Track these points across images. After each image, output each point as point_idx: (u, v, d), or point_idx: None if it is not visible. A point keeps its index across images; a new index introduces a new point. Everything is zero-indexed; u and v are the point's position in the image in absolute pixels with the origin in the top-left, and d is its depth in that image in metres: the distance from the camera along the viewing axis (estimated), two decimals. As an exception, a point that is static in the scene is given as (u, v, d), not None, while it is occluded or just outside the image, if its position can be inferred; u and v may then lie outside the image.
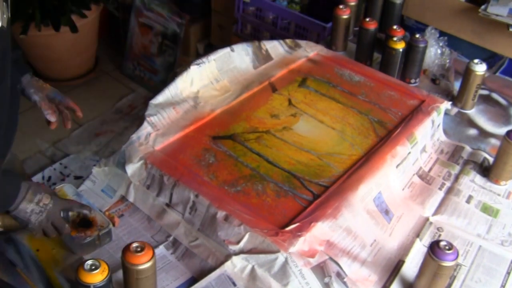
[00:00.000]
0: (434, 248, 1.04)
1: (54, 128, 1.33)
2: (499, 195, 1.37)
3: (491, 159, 1.45)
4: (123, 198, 1.27)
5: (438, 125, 1.54)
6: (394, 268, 1.16)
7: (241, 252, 1.11)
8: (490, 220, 1.29)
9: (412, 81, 1.76)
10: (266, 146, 1.37)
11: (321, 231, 1.13)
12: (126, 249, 0.99)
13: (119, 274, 1.04)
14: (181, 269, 1.12)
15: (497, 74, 1.90)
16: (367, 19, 1.80)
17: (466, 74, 1.63)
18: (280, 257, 1.07)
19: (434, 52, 1.82)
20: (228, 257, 1.10)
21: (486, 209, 1.33)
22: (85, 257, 1.10)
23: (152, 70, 2.97)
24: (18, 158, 1.47)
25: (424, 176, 1.41)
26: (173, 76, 1.51)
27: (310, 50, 1.79)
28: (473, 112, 1.68)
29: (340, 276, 1.09)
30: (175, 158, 1.31)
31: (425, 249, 1.10)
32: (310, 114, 1.51)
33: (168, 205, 1.22)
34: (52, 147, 2.60)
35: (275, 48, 1.77)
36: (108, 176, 1.30)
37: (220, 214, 1.15)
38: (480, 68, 1.60)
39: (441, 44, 1.84)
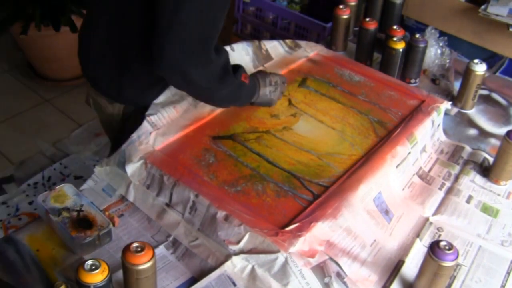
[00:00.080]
0: (434, 248, 1.04)
1: None
2: (499, 195, 1.37)
3: (491, 159, 1.45)
4: (123, 198, 1.27)
5: (438, 125, 1.54)
6: (394, 268, 1.16)
7: (241, 252, 1.11)
8: (490, 220, 1.30)
9: (412, 81, 1.76)
10: (266, 146, 1.37)
11: (321, 231, 1.13)
12: (126, 249, 0.99)
13: (119, 274, 1.04)
14: (181, 269, 1.12)
15: (497, 74, 1.90)
16: (367, 19, 1.80)
17: (466, 74, 1.63)
18: (280, 257, 1.07)
19: (434, 52, 1.82)
20: (228, 257, 1.10)
21: (486, 209, 1.33)
22: (85, 257, 1.10)
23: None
24: None
25: (424, 176, 1.41)
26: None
27: (310, 50, 1.79)
28: (473, 112, 1.68)
29: (340, 276, 1.09)
30: (175, 158, 1.31)
31: (425, 249, 1.10)
32: (310, 114, 1.51)
33: (168, 205, 1.22)
34: (52, 147, 2.60)
35: (275, 48, 1.77)
36: (109, 175, 1.30)
37: (220, 214, 1.15)
38: (480, 68, 1.60)
39: (441, 44, 1.84)
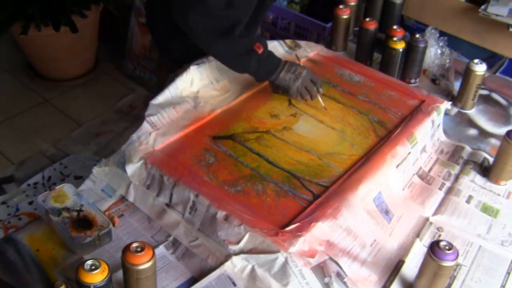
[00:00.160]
0: (434, 248, 1.04)
1: None
2: (499, 195, 1.37)
3: (491, 159, 1.45)
4: (123, 198, 1.27)
5: (438, 125, 1.54)
6: (394, 268, 1.16)
7: (241, 252, 1.11)
8: (490, 220, 1.29)
9: (412, 81, 1.76)
10: (266, 146, 1.37)
11: (321, 231, 1.13)
12: (126, 249, 0.99)
13: (119, 274, 1.04)
14: (181, 269, 1.12)
15: (497, 74, 1.90)
16: (367, 19, 1.80)
17: (466, 74, 1.63)
18: (280, 257, 1.07)
19: (434, 52, 1.82)
20: (228, 257, 1.10)
21: (486, 209, 1.33)
22: (85, 257, 1.10)
23: (152, 70, 2.97)
24: None
25: (424, 176, 1.41)
26: (174, 76, 1.51)
27: (310, 50, 1.79)
28: (473, 112, 1.68)
29: (340, 276, 1.09)
30: (175, 158, 1.31)
31: (425, 249, 1.10)
32: (310, 114, 1.51)
33: (168, 205, 1.22)
34: (52, 147, 2.60)
35: (275, 48, 1.77)
36: (108, 176, 1.30)
37: (220, 214, 1.15)
38: (480, 68, 1.60)
39: (441, 44, 1.84)
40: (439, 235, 1.25)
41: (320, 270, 1.09)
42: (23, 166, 2.48)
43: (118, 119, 2.80)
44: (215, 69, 1.58)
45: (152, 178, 1.25)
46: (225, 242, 1.12)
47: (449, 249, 1.03)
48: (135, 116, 2.78)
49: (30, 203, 2.26)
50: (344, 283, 1.08)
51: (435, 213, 1.30)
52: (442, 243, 1.04)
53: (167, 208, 1.22)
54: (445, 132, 1.57)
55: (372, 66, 1.82)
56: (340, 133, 1.44)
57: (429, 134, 1.49)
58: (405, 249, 1.20)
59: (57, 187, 1.22)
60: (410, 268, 1.15)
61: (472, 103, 1.67)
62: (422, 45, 1.70)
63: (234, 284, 1.08)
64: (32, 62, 3.05)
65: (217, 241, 1.14)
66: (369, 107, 1.55)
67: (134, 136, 1.33)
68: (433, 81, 1.80)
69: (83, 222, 1.14)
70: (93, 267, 0.96)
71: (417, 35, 1.71)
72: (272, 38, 2.38)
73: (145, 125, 1.36)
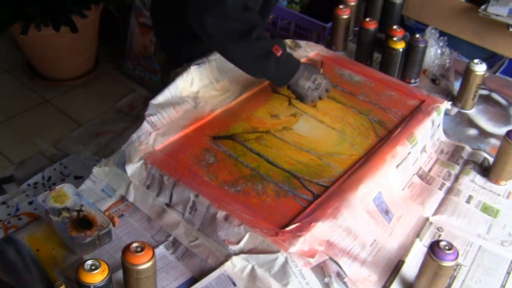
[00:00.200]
0: (434, 248, 1.04)
1: None
2: (499, 195, 1.37)
3: (491, 159, 1.45)
4: (123, 198, 1.27)
5: (438, 125, 1.54)
6: (394, 268, 1.16)
7: (241, 252, 1.11)
8: (490, 220, 1.30)
9: (412, 81, 1.76)
10: (266, 146, 1.37)
11: (321, 231, 1.13)
12: (126, 249, 0.99)
13: (119, 274, 1.04)
14: (181, 269, 1.12)
15: (497, 74, 1.90)
16: (367, 19, 1.80)
17: (466, 74, 1.63)
18: (280, 257, 1.07)
19: (434, 52, 1.82)
20: (228, 257, 1.10)
21: (486, 209, 1.33)
22: (85, 257, 1.10)
23: (152, 70, 2.97)
24: None
25: (424, 176, 1.41)
26: (174, 76, 1.51)
27: (310, 50, 1.79)
28: (473, 112, 1.68)
29: (340, 276, 1.09)
30: (175, 158, 1.31)
31: (425, 249, 1.10)
32: (310, 114, 1.51)
33: (168, 205, 1.22)
34: (52, 147, 2.60)
35: (275, 48, 1.77)
36: (108, 176, 1.30)
37: (220, 214, 1.15)
38: (480, 68, 1.60)
39: (441, 44, 1.84)
40: (439, 235, 1.25)
41: (320, 270, 1.09)
42: (23, 166, 2.48)
43: (118, 119, 2.80)
44: (215, 69, 1.58)
45: (152, 178, 1.25)
46: (225, 242, 1.12)
47: (449, 249, 1.03)
48: (135, 116, 2.78)
49: (30, 203, 2.26)
50: (344, 283, 1.08)
51: (435, 213, 1.30)
52: (442, 243, 1.04)
53: (167, 208, 1.22)
54: (445, 132, 1.57)
55: (372, 66, 1.82)
56: (340, 133, 1.44)
57: (429, 134, 1.49)
58: (405, 249, 1.20)
59: (57, 187, 1.22)
60: (410, 268, 1.15)
61: (472, 103, 1.67)
62: (422, 45, 1.70)
63: (234, 284, 1.08)
64: (32, 62, 3.05)
65: (217, 241, 1.14)
66: (369, 107, 1.55)
67: (134, 136, 1.33)
68: (433, 81, 1.80)
69: (83, 222, 1.14)
70: (93, 267, 0.96)
71: (417, 35, 1.71)
72: (272, 38, 2.38)
73: (145, 125, 1.36)
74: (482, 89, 1.71)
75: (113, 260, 1.10)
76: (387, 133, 1.44)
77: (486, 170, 1.43)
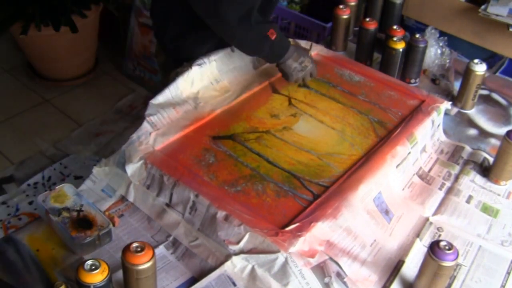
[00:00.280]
0: (434, 248, 1.04)
1: None
2: (499, 195, 1.37)
3: (491, 159, 1.45)
4: (123, 198, 1.27)
5: (438, 125, 1.54)
6: (394, 268, 1.16)
7: (241, 252, 1.11)
8: (490, 220, 1.30)
9: (412, 81, 1.76)
10: (266, 146, 1.37)
11: (321, 231, 1.13)
12: (126, 249, 0.99)
13: (119, 274, 1.04)
14: (181, 269, 1.12)
15: (497, 74, 1.90)
16: (367, 19, 1.80)
17: (466, 74, 1.63)
18: (280, 257, 1.07)
19: (434, 52, 1.82)
20: (228, 257, 1.10)
21: (486, 209, 1.33)
22: (85, 257, 1.10)
23: (152, 70, 2.97)
24: None
25: (424, 176, 1.41)
26: (174, 76, 1.51)
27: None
28: (473, 112, 1.68)
29: (340, 276, 1.09)
30: (175, 158, 1.31)
31: (425, 249, 1.10)
32: (310, 114, 1.51)
33: (168, 205, 1.22)
34: (52, 147, 2.60)
35: (275, 48, 1.77)
36: (108, 176, 1.30)
37: (220, 214, 1.15)
38: (480, 68, 1.60)
39: (441, 44, 1.84)
40: (439, 235, 1.25)
41: (320, 270, 1.09)
42: (23, 166, 2.48)
43: (118, 119, 2.80)
44: (216, 70, 1.58)
45: (152, 178, 1.25)
46: (225, 242, 1.12)
47: (449, 249, 1.03)
48: (135, 116, 2.78)
49: (30, 203, 2.26)
50: (344, 283, 1.08)
51: (435, 213, 1.30)
52: (442, 243, 1.04)
53: (167, 208, 1.22)
54: (445, 132, 1.57)
55: (372, 66, 1.82)
56: (340, 133, 1.44)
57: (429, 134, 1.49)
58: (405, 249, 1.20)
59: (57, 187, 1.22)
60: (410, 268, 1.15)
61: (472, 103, 1.67)
62: (422, 45, 1.70)
63: (234, 284, 1.08)
64: (32, 62, 3.05)
65: (217, 241, 1.14)
66: (369, 107, 1.55)
67: (134, 136, 1.33)
68: (433, 81, 1.80)
69: (83, 222, 1.14)
70: (93, 267, 0.96)
71: (417, 35, 1.71)
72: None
73: (145, 125, 1.36)
74: (482, 89, 1.71)
75: (113, 260, 1.10)
76: (387, 133, 1.44)
77: (486, 170, 1.43)
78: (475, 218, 1.30)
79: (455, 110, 1.66)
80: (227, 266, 1.09)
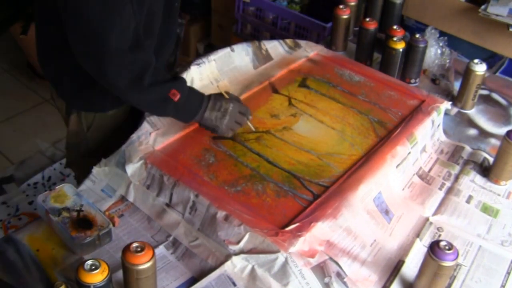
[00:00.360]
0: (434, 248, 1.04)
1: None
2: (499, 195, 1.37)
3: (491, 159, 1.45)
4: (123, 198, 1.27)
5: (438, 125, 1.54)
6: (394, 268, 1.16)
7: (241, 252, 1.11)
8: (490, 220, 1.29)
9: (412, 81, 1.76)
10: (266, 146, 1.37)
11: (321, 231, 1.13)
12: (126, 249, 0.99)
13: (119, 274, 1.04)
14: (181, 269, 1.12)
15: (497, 74, 1.90)
16: (367, 19, 1.80)
17: (466, 74, 1.63)
18: (280, 257, 1.07)
19: (434, 52, 1.82)
20: (228, 257, 1.10)
21: (486, 209, 1.33)
22: (85, 257, 1.10)
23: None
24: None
25: (424, 176, 1.41)
26: (174, 76, 1.51)
27: (310, 50, 1.79)
28: (473, 112, 1.68)
29: (340, 276, 1.09)
30: (175, 158, 1.31)
31: (425, 249, 1.10)
32: (310, 114, 1.51)
33: (168, 205, 1.22)
34: (52, 147, 2.60)
35: (275, 48, 1.77)
36: (108, 176, 1.30)
37: (220, 214, 1.15)
38: (480, 68, 1.60)
39: (441, 44, 1.84)
40: (439, 235, 1.25)
41: (320, 270, 1.09)
42: (23, 166, 2.48)
43: (118, 119, 2.79)
44: (215, 69, 1.58)
45: (152, 178, 1.25)
46: (225, 242, 1.12)
47: (449, 249, 1.03)
48: (135, 116, 2.77)
49: (30, 203, 2.26)
50: (344, 283, 1.08)
51: (435, 213, 1.30)
52: (442, 243, 1.04)
53: (167, 208, 1.22)
54: (445, 132, 1.57)
55: (372, 66, 1.82)
56: (340, 133, 1.44)
57: (429, 134, 1.49)
58: (405, 249, 1.20)
59: (57, 187, 1.22)
60: (410, 268, 1.15)
61: (472, 103, 1.67)
62: (422, 45, 1.70)
63: (234, 284, 1.08)
64: (32, 62, 3.05)
65: (217, 241, 1.14)
66: (369, 107, 1.55)
67: (134, 136, 1.33)
68: (433, 81, 1.80)
69: (83, 222, 1.14)
70: (93, 267, 0.96)
71: (417, 35, 1.70)
72: (272, 38, 2.39)
73: (145, 125, 1.36)
74: (482, 89, 1.71)
75: (113, 260, 1.10)
76: (387, 133, 1.44)
77: (486, 170, 1.43)
78: (475, 218, 1.30)
79: (455, 110, 1.66)
80: (227, 266, 1.09)
